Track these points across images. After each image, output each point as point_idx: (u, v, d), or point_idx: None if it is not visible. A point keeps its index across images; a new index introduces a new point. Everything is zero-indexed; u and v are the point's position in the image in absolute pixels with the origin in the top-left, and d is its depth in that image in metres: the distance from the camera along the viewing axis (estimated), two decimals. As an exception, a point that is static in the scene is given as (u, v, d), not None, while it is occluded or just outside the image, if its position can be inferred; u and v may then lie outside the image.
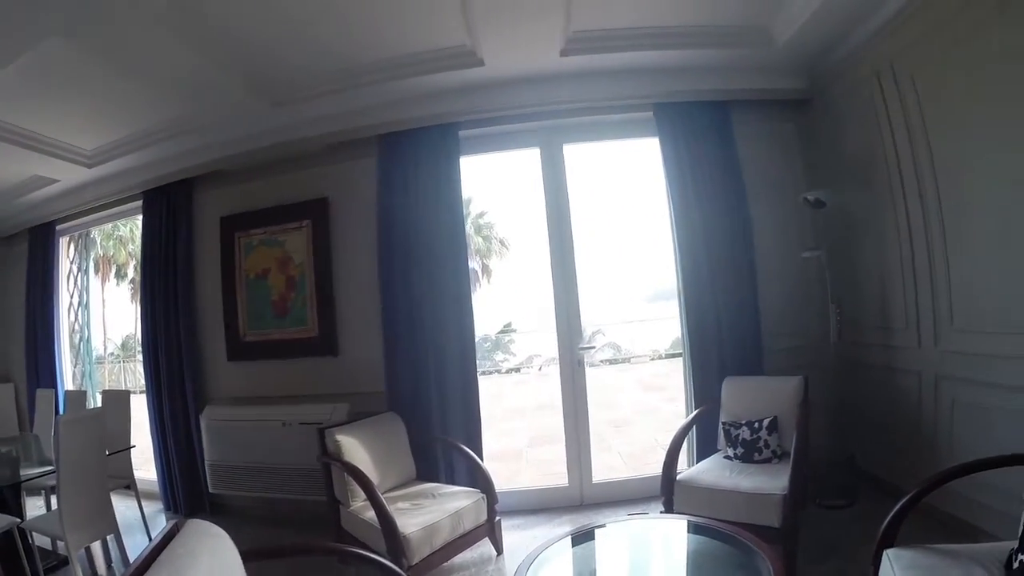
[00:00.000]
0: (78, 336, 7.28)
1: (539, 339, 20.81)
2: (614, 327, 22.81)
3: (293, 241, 5.45)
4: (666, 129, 4.91)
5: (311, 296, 5.38)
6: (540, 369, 20.21)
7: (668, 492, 3.84)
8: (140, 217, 6.01)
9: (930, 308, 3.95)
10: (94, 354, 7.74)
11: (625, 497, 4.97)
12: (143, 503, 4.92)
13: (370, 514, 3.64)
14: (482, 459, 4.53)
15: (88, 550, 4.26)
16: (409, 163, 5.01)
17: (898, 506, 2.53)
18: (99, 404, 5.85)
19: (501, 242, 28.27)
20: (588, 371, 5.20)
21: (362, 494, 3.77)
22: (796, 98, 5.06)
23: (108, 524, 4.01)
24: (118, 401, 5.24)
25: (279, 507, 5.13)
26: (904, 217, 4.10)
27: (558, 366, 5.23)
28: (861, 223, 4.65)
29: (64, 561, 4.06)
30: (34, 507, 4.99)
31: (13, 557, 3.88)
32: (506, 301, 29.08)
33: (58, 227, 6.76)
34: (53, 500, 4.48)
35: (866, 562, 2.54)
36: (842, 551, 3.62)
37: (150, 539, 4.62)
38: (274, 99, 4.77)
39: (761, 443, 4.04)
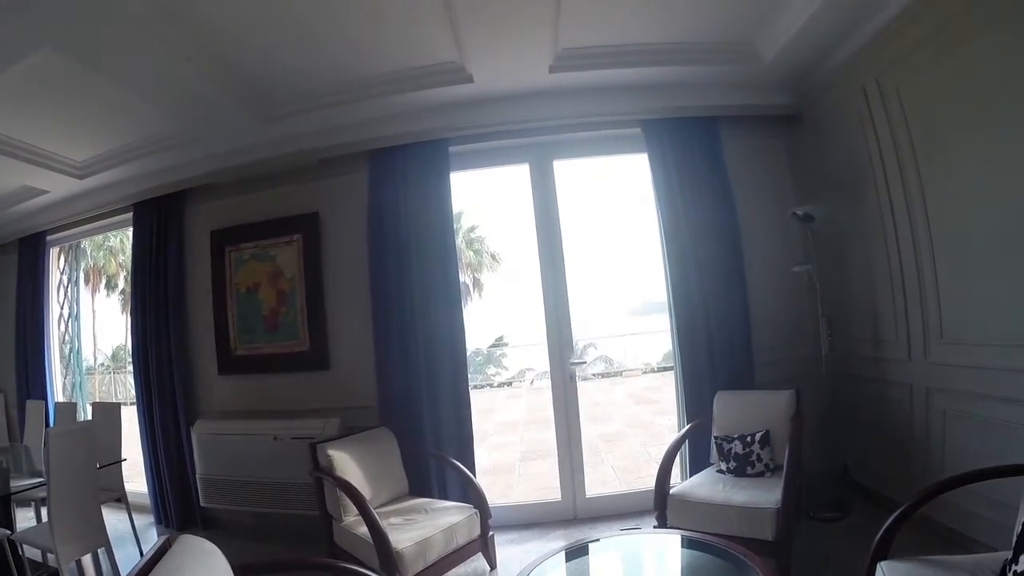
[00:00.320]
0: (68, 347, 7.23)
1: (531, 353, 20.81)
2: (605, 340, 22.85)
3: (284, 255, 5.44)
4: (654, 145, 4.94)
5: (302, 310, 5.36)
6: (532, 383, 20.21)
7: (661, 506, 3.84)
8: (131, 229, 5.98)
9: (920, 321, 3.98)
10: (84, 365, 7.70)
11: (618, 511, 4.96)
12: (134, 516, 4.90)
13: (363, 529, 3.62)
14: (475, 474, 4.53)
15: (79, 563, 4.24)
16: (400, 178, 5.02)
17: (892, 518, 2.55)
18: (89, 416, 5.82)
19: (492, 256, 28.26)
20: (580, 385, 5.20)
21: (355, 509, 3.75)
22: (784, 114, 5.11)
23: (99, 537, 3.99)
24: (108, 413, 5.23)
25: (271, 521, 5.09)
26: (892, 230, 4.14)
27: (549, 380, 5.22)
28: (850, 237, 4.69)
29: (54, 573, 4.02)
30: (24, 519, 4.96)
31: (3, 569, 3.85)
32: (498, 315, 29.08)
33: (48, 238, 6.73)
34: (43, 512, 4.44)
35: (860, 574, 2.54)
36: (836, 564, 3.63)
37: (141, 552, 4.64)
38: (265, 114, 4.78)
39: (754, 457, 4.04)
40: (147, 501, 5.75)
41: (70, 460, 3.79)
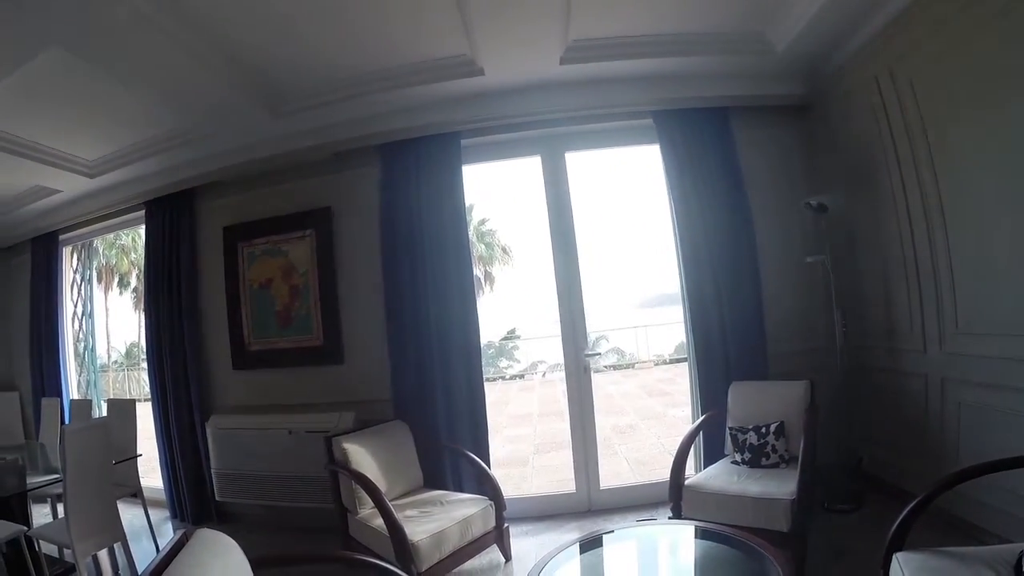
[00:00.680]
0: (82, 345, 7.28)
1: (543, 345, 20.83)
2: (618, 332, 22.84)
3: (296, 250, 5.45)
4: (666, 136, 4.92)
5: (315, 305, 5.37)
6: (544, 375, 20.21)
7: (676, 497, 3.84)
8: (143, 227, 6.02)
9: (935, 311, 3.94)
10: (98, 362, 7.75)
11: (633, 503, 4.96)
12: (150, 511, 4.92)
13: (378, 522, 3.63)
14: (489, 466, 4.54)
15: (95, 558, 4.28)
16: (412, 172, 5.02)
17: (907, 509, 2.53)
18: (104, 413, 5.85)
19: (504, 249, 28.35)
20: (593, 376, 5.20)
21: (370, 502, 3.77)
22: (796, 104, 5.07)
23: (115, 532, 4.02)
24: (124, 410, 5.27)
25: (286, 515, 5.11)
26: (907, 220, 4.10)
27: (562, 372, 5.22)
28: (864, 227, 4.65)
29: (71, 568, 4.07)
30: (40, 515, 5.01)
31: (20, 565, 3.88)
32: (510, 308, 29.19)
33: (61, 237, 6.79)
34: (59, 508, 4.48)
35: (875, 566, 2.54)
36: (851, 555, 3.61)
37: (157, 547, 4.67)
38: (275, 109, 4.79)
39: (768, 448, 4.03)
40: (163, 496, 5.81)
41: (86, 457, 3.81)
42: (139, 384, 19.23)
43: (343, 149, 5.20)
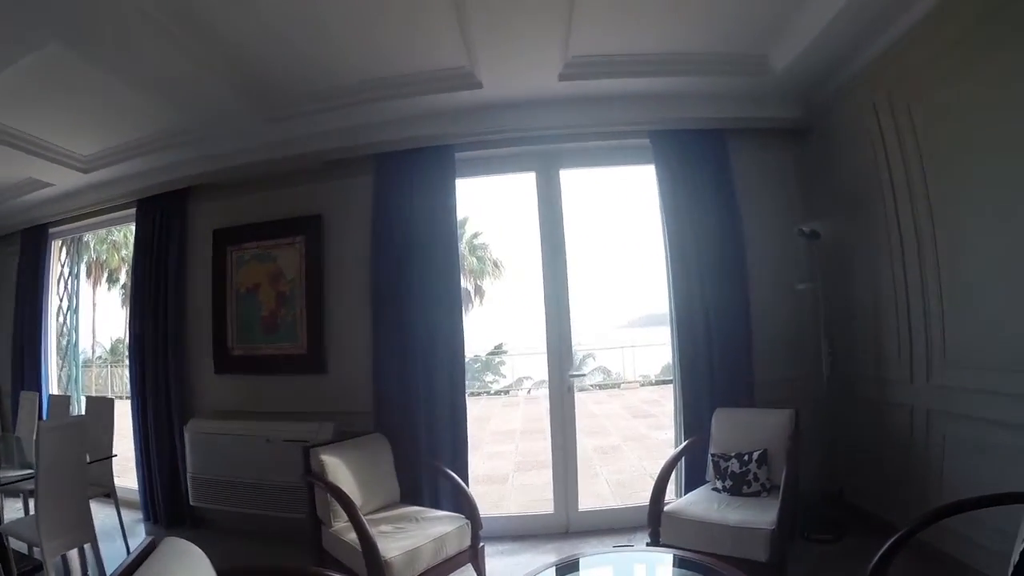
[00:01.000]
0: (66, 340, 7.22)
1: (530, 361, 20.76)
2: (606, 351, 22.80)
3: (285, 257, 5.43)
4: (662, 156, 4.92)
5: (301, 313, 5.34)
6: (529, 392, 20.13)
7: (655, 523, 3.80)
8: (134, 224, 5.98)
9: (923, 342, 3.93)
10: (81, 358, 7.68)
11: (611, 526, 4.92)
12: (123, 512, 4.87)
13: (352, 536, 3.58)
14: (468, 483, 4.50)
15: (64, 557, 4.21)
16: (405, 183, 5.00)
17: (889, 543, 2.49)
18: (83, 410, 5.79)
19: (495, 263, 28.30)
20: (577, 396, 5.17)
21: (344, 515, 3.71)
22: (793, 127, 5.08)
23: (86, 532, 3.97)
24: (101, 408, 5.21)
25: (260, 522, 5.04)
26: (899, 250, 4.10)
27: (547, 390, 5.19)
28: (856, 255, 4.66)
29: (39, 566, 4.00)
30: (12, 509, 4.95)
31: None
32: (498, 322, 29.17)
33: (51, 230, 6.75)
34: (31, 504, 4.42)
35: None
36: (829, 588, 3.58)
37: (128, 548, 4.60)
38: (270, 114, 4.78)
39: (750, 476, 4.00)
40: (137, 497, 5.73)
41: (60, 456, 3.76)
42: (122, 381, 19.07)
43: (337, 157, 5.18)
